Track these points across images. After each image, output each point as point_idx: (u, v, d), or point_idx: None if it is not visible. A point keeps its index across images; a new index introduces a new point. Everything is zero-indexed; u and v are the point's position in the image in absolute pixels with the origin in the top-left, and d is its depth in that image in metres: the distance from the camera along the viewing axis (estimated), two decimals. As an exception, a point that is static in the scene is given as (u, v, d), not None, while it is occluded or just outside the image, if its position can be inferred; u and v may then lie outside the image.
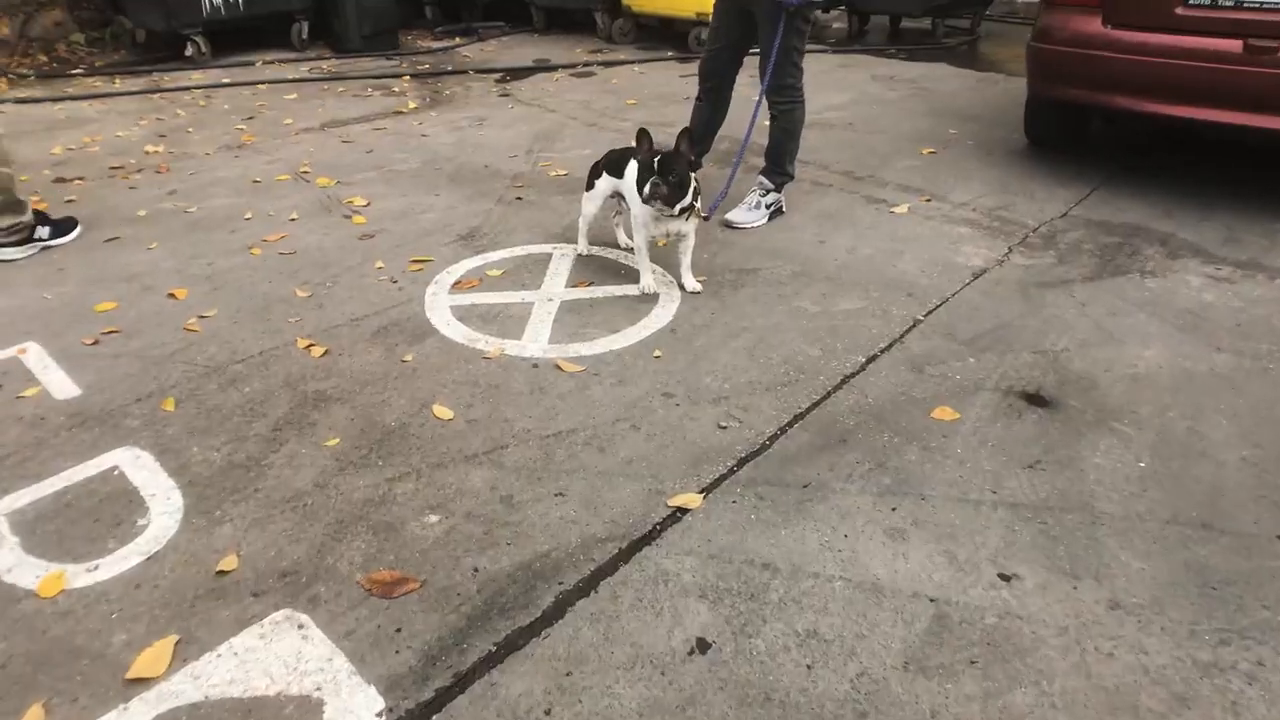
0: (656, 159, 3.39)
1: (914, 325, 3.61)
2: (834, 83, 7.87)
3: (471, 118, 6.88)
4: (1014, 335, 3.51)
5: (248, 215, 4.82)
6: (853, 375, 3.23)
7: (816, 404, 3.05)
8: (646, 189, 3.36)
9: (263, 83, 7.93)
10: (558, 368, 3.31)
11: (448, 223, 4.73)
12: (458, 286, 3.98)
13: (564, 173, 5.54)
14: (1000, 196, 5.07)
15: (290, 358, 3.40)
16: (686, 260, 3.91)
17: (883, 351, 3.40)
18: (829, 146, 6.02)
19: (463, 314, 3.73)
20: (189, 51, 8.47)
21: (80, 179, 5.44)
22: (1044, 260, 4.21)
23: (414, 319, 3.70)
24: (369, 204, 5.01)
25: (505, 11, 10.82)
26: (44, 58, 8.66)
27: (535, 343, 3.50)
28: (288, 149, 6.05)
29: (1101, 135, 6.04)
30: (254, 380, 3.25)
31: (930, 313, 3.72)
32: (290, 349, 3.46)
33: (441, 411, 3.03)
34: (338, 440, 2.89)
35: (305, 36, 9.32)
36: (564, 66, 8.78)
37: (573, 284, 4.01)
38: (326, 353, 3.43)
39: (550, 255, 4.32)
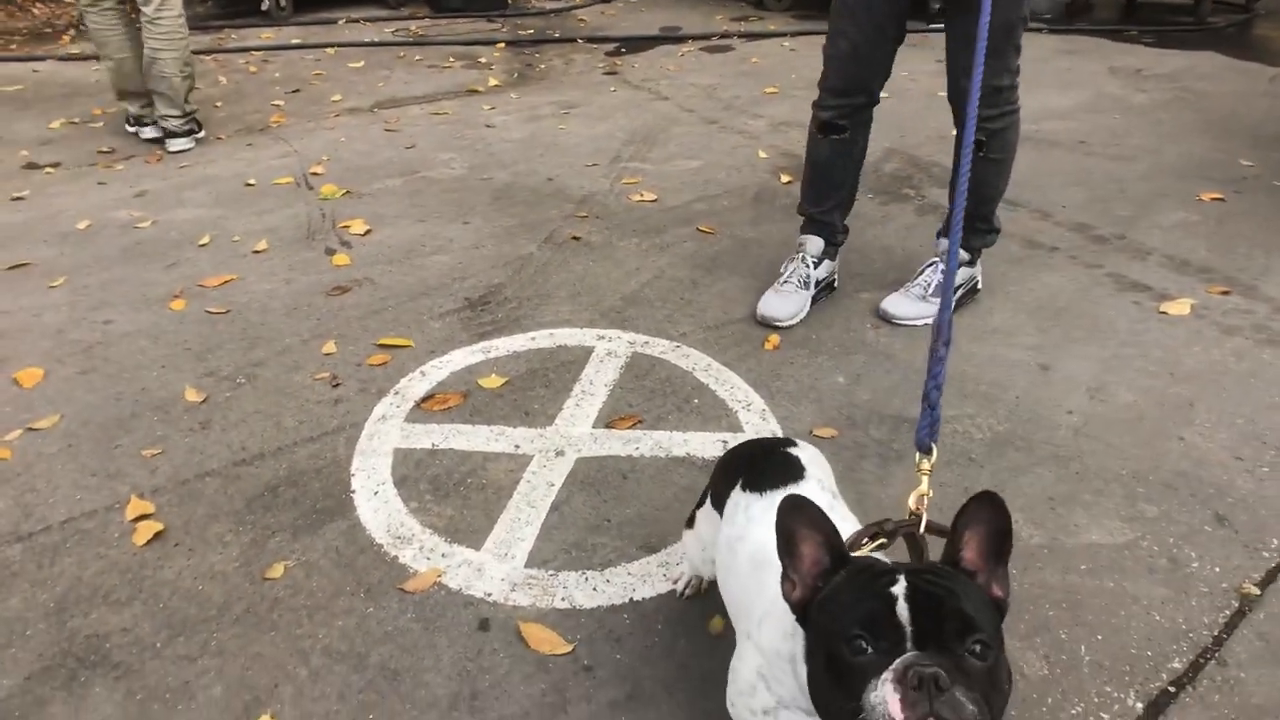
0: (896, 589, 1.11)
1: (1238, 615, 1.79)
2: (1054, 77, 5.74)
3: (558, 103, 5.35)
4: None
5: (204, 240, 3.52)
6: (1121, 768, 1.49)
7: None
8: (888, 708, 1.04)
9: (332, 45, 6.70)
10: (520, 638, 1.76)
11: (462, 274, 3.24)
12: (426, 405, 2.49)
13: (652, 199, 3.92)
14: (1356, 295, 3.03)
15: (99, 541, 2.03)
16: None
17: (1174, 690, 1.63)
18: (1052, 179, 4.06)
19: (410, 472, 2.24)
20: (265, 5, 7.38)
21: (54, 166, 4.35)
22: None
23: (330, 473, 2.24)
24: (368, 231, 3.59)
25: (642, -34, 9.14)
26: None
27: (503, 561, 1.96)
28: (314, 137, 4.74)
29: None
30: (14, 591, 1.90)
31: (1270, 578, 1.88)
32: (110, 522, 2.09)
33: (266, 742, 1.56)
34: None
35: (404, -10, 8.05)
36: (695, 37, 7.05)
37: (609, 419, 2.44)
38: (157, 537, 2.03)
39: (591, 351, 2.75)
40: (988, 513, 1.14)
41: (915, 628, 1.04)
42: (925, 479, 1.36)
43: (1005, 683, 1.10)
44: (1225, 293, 3.07)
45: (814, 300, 2.97)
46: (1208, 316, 2.93)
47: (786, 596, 1.19)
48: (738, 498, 1.51)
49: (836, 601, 1.13)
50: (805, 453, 1.57)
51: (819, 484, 1.50)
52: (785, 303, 2.91)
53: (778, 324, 2.88)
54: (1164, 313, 2.95)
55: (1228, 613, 1.79)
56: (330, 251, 3.42)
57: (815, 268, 2.97)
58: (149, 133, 4.57)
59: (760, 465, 1.55)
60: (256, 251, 3.42)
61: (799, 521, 1.17)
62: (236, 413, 2.47)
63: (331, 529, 2.05)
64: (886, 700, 1.00)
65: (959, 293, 2.95)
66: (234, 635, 1.78)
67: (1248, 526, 2.03)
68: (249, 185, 4.08)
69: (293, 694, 1.65)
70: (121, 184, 4.11)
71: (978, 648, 1.05)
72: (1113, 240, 3.48)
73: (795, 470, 1.51)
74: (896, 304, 2.90)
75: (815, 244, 2.99)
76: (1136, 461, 2.25)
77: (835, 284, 3.10)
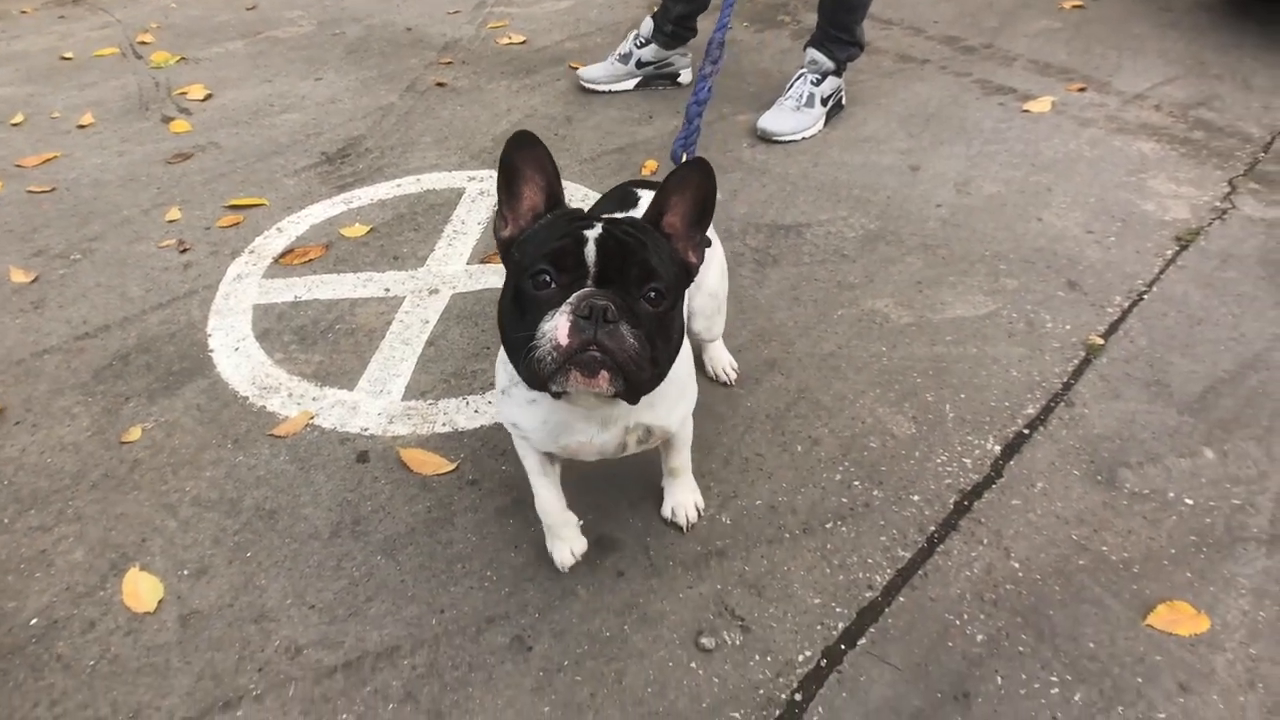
0: (589, 231, 1.13)
1: (1084, 363, 1.91)
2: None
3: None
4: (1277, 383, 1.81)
5: (17, 119, 3.16)
6: (967, 503, 1.59)
7: (892, 585, 1.44)
8: (556, 333, 1.07)
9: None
10: (402, 464, 1.73)
11: (316, 130, 3.02)
12: (285, 261, 2.35)
13: (520, 40, 3.70)
14: (1197, 83, 3.14)
15: (-69, 426, 1.87)
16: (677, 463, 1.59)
17: (1028, 432, 1.74)
18: (919, -5, 4.03)
19: (272, 325, 2.12)
20: None
21: None
22: (1307, 211, 2.41)
23: (184, 336, 2.10)
24: (209, 96, 3.29)
25: None
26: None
27: (378, 398, 1.90)
28: (138, 5, 4.26)
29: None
30: None
31: (1112, 329, 2.00)
32: (-62, 405, 1.93)
33: (138, 592, 1.50)
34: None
35: None
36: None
37: (484, 255, 2.35)
38: (-3, 416, 1.89)
39: (462, 193, 2.63)
40: (696, 178, 1.17)
41: (599, 268, 1.10)
42: None
43: (675, 335, 1.19)
44: (1082, 89, 3.14)
45: (640, 80, 3.23)
46: (1066, 112, 3.00)
47: (497, 233, 1.22)
48: None
49: (534, 240, 1.17)
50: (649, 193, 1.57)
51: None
52: (603, 69, 3.22)
53: (584, 84, 3.22)
54: (1027, 111, 3.00)
55: (1075, 362, 1.91)
56: (167, 119, 3.12)
57: (642, 47, 3.18)
58: None
59: (601, 201, 1.56)
60: (81, 126, 3.09)
61: (525, 160, 1.17)
62: (74, 289, 2.28)
63: (191, 389, 1.94)
64: (557, 327, 1.06)
65: (829, 106, 2.93)
66: (92, 500, 1.68)
67: (1095, 288, 2.13)
68: (65, 59, 3.65)
69: (162, 545, 1.59)
70: (-88, 69, 3.63)
71: (653, 294, 1.12)
72: (980, 50, 3.49)
73: (630, 200, 1.53)
74: (772, 120, 2.86)
75: (646, 24, 3.18)
76: (999, 243, 2.32)
77: (678, 76, 3.27)
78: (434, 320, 2.11)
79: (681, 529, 1.55)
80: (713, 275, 1.67)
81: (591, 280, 1.10)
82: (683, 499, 1.57)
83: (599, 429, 1.28)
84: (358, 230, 2.45)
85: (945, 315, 2.07)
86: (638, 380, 1.10)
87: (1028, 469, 1.65)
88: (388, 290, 2.22)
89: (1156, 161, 2.68)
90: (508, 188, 1.18)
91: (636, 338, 1.07)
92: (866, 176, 2.66)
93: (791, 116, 2.86)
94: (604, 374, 1.06)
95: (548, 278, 1.10)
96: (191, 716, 1.30)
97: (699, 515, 1.57)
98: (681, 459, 1.53)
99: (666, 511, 1.58)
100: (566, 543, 1.51)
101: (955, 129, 2.91)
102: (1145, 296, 2.10)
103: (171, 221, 2.54)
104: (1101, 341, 1.96)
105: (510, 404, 1.32)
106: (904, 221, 2.43)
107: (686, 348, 1.40)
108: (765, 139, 2.86)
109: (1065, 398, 1.81)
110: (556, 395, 1.13)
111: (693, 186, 1.17)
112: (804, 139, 2.86)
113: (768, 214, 2.47)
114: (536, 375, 1.09)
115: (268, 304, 2.19)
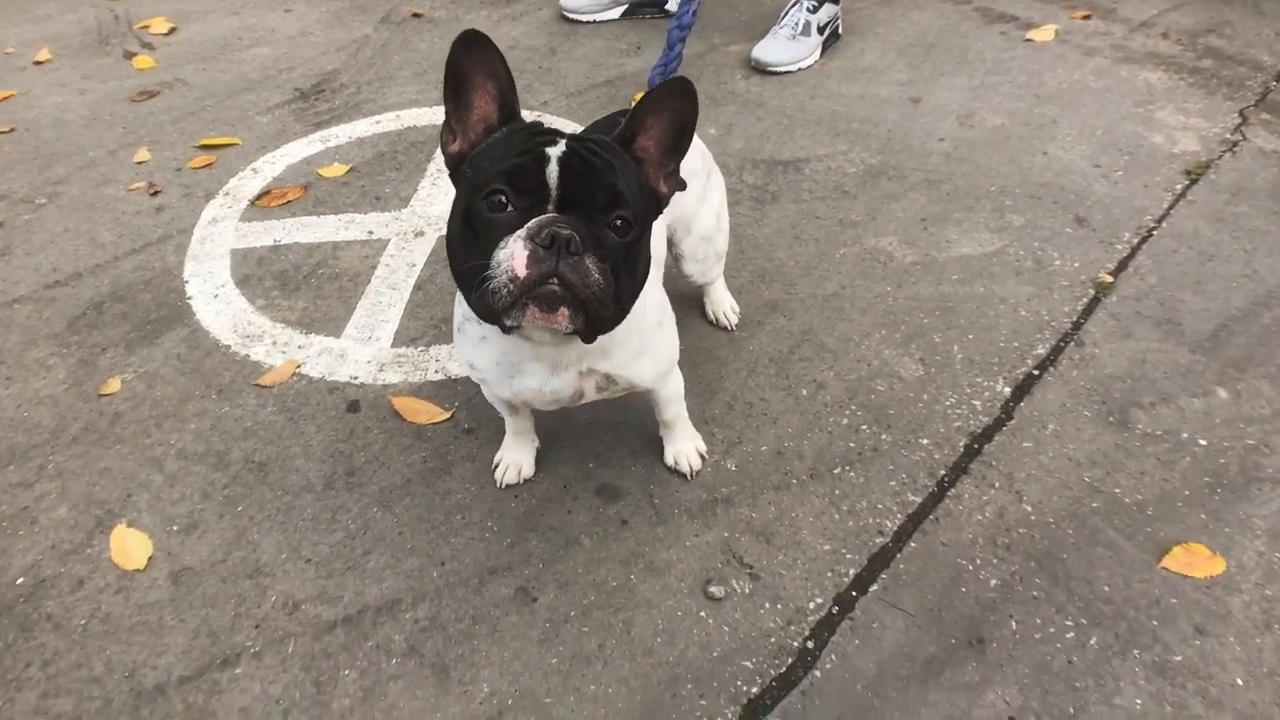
0: (551, 149, 1.02)
1: (1094, 302, 1.86)
2: None
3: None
4: (1304, 330, 1.78)
5: (-32, 54, 2.99)
6: (977, 446, 1.56)
7: (898, 538, 1.41)
8: (513, 263, 0.97)
9: None
10: (395, 413, 1.67)
11: (289, 65, 2.87)
12: (262, 203, 2.24)
13: (498, -32, 3.52)
14: (1206, 9, 3.04)
15: (-103, 381, 1.79)
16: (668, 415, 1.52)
17: (1038, 372, 1.70)
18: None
19: (252, 271, 2.03)
20: None
21: None
22: (1318, 142, 2.34)
23: (161, 283, 2.01)
24: (173, 30, 3.11)
25: None
26: None
27: (366, 345, 1.83)
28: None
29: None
30: None
31: (1122, 266, 1.95)
32: (-96, 359, 1.84)
33: (126, 548, 1.45)
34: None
35: None
36: None
37: (469, 196, 2.26)
38: (-34, 370, 1.81)
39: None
40: (676, 99, 1.05)
41: (561, 191, 0.99)
42: None
43: (641, 268, 1.09)
44: (1086, 17, 3.03)
45: (626, 9, 3.10)
46: (1070, 41, 2.89)
47: (445, 147, 1.11)
48: None
49: (489, 155, 1.05)
50: None
51: None
52: None
53: (567, 13, 3.09)
54: (1029, 40, 2.90)
55: (1085, 300, 1.86)
56: (130, 55, 2.96)
57: None
58: None
59: (590, 129, 1.43)
60: (38, 63, 2.92)
61: (475, 65, 1.05)
62: (41, 235, 2.17)
63: (170, 337, 1.86)
64: (514, 256, 0.95)
65: (825, 36, 2.81)
66: (73, 455, 1.62)
67: (1104, 224, 2.08)
68: (16, -9, 3.45)
69: (149, 500, 1.53)
70: None
71: (619, 222, 1.01)
72: (980, -25, 3.36)
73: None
74: (766, 50, 2.74)
75: None
76: (1004, 178, 2.25)
77: (665, 3, 3.12)
78: (420, 264, 2.03)
79: (685, 477, 1.51)
80: (705, 216, 1.58)
81: (553, 204, 0.99)
82: (683, 447, 1.53)
83: (550, 373, 1.19)
84: (337, 170, 2.34)
85: (951, 253, 2.01)
86: (599, 317, 1.00)
87: (1038, 410, 1.61)
88: (371, 233, 2.13)
89: (1164, 92, 2.60)
90: (455, 96, 1.06)
91: (601, 272, 0.97)
92: (866, 109, 2.56)
93: (787, 46, 2.74)
94: (564, 310, 0.97)
95: (504, 199, 0.99)
96: (189, 674, 1.27)
97: (702, 462, 1.53)
98: (672, 412, 1.47)
99: (669, 459, 1.53)
100: (518, 464, 1.50)
101: (956, 59, 2.80)
102: (1155, 232, 2.05)
103: (140, 163, 2.41)
104: (1111, 279, 1.91)
105: (465, 341, 1.23)
106: (906, 156, 2.35)
107: (661, 300, 1.31)
108: (759, 70, 2.75)
109: (1075, 337, 1.77)
110: (508, 330, 1.03)
111: (671, 109, 1.05)
112: (800, 70, 2.75)
113: (764, 149, 2.38)
114: (489, 308, 0.98)
115: (246, 248, 2.09)
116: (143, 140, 2.51)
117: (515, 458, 1.51)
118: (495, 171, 1.00)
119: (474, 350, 1.21)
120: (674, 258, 1.63)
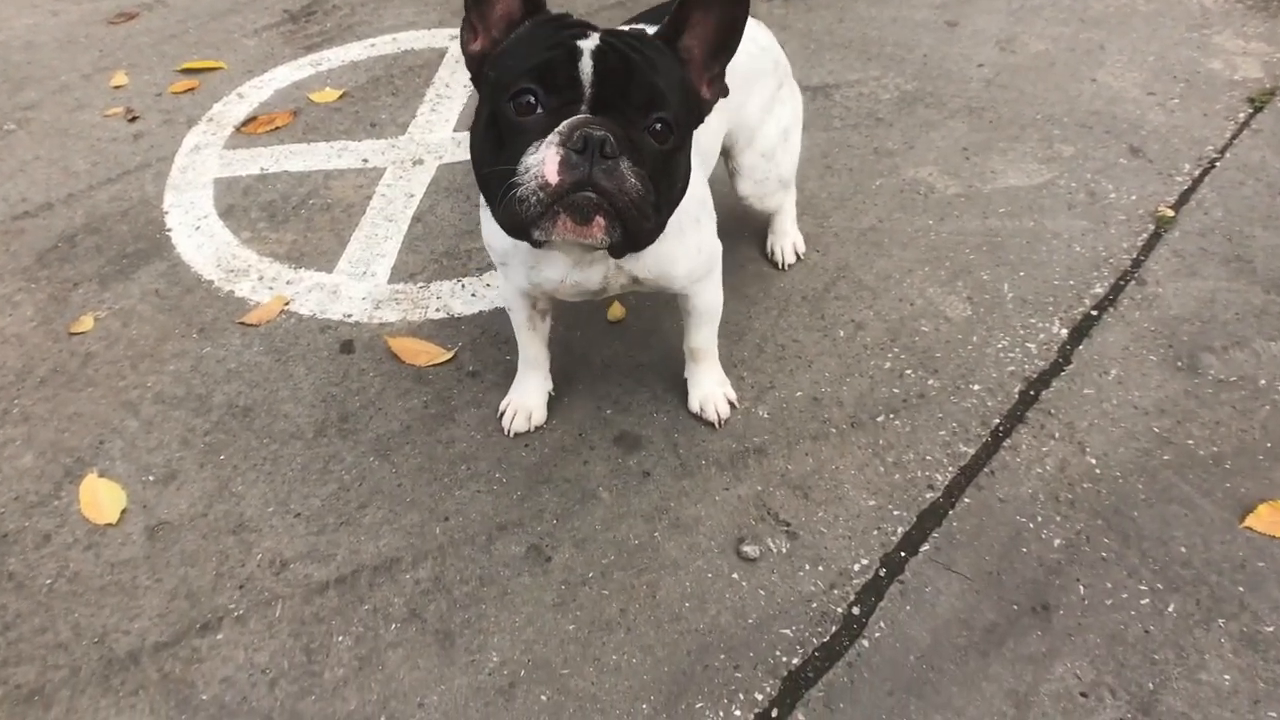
0: (583, 43, 0.92)
1: (1154, 237, 1.70)
2: None
3: None
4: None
5: (-69, -28, 2.77)
6: (1033, 393, 1.41)
7: (944, 501, 1.28)
8: (543, 169, 0.88)
9: None
10: (392, 354, 1.53)
11: (276, -15, 2.67)
12: (248, 129, 2.07)
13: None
14: (1267, -74, 2.81)
15: None
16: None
17: (1096, 313, 1.54)
18: None
19: (237, 201, 1.87)
20: None
21: None
22: (1393, 69, 2.15)
23: (138, 214, 1.85)
24: (151, -53, 2.90)
25: None
26: None
27: (361, 280, 1.68)
28: None
29: None
30: None
31: (1183, 200, 1.78)
32: None
33: (97, 501, 1.32)
34: None
35: None
36: None
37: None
38: (-74, 306, 1.66)
39: (444, 53, 2.33)
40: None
41: (595, 90, 0.89)
42: None
43: (681, 181, 0.99)
44: (1137, -65, 2.80)
45: None
46: (1119, -39, 2.68)
47: (465, 46, 1.00)
48: None
49: (514, 52, 0.95)
50: None
51: None
52: None
53: None
54: (1074, -40, 2.68)
55: (1145, 236, 1.70)
56: (104, -27, 2.75)
57: None
58: None
59: (634, 21, 1.29)
60: (6, -19, 2.72)
61: None
62: (10, 163, 2.01)
63: (147, 272, 1.71)
64: (544, 161, 0.86)
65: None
66: (40, 399, 1.48)
67: (1161, 155, 1.91)
68: (-16, -94, 3.21)
69: (123, 447, 1.40)
70: None
71: (659, 125, 0.91)
72: (1019, -108, 3.11)
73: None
74: (790, -30, 2.54)
75: None
76: (1051, 106, 2.07)
77: None
78: (420, 194, 1.87)
79: (713, 425, 1.38)
80: (769, 130, 1.43)
81: (586, 104, 0.88)
82: (710, 391, 1.38)
83: (574, 265, 1.10)
84: (328, 95, 2.16)
85: (997, 185, 1.84)
86: (637, 230, 0.91)
87: (1099, 354, 1.47)
88: (366, 161, 1.96)
89: (1221, 15, 2.40)
90: None
91: (639, 177, 0.88)
92: (899, 33, 2.37)
93: (815, -35, 2.53)
94: (599, 220, 0.88)
95: (533, 99, 0.89)
96: (165, 640, 1.14)
97: (731, 409, 1.39)
98: (702, 337, 1.32)
99: (694, 405, 1.39)
100: (527, 409, 1.36)
101: (997, -20, 2.59)
102: (1217, 164, 1.88)
103: (117, 88, 2.23)
104: (1172, 213, 1.74)
105: (490, 224, 1.11)
106: (944, 82, 2.16)
107: (704, 194, 1.20)
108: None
109: (1136, 275, 1.61)
110: (537, 244, 0.93)
111: (720, 4, 0.95)
112: (828, -8, 2.55)
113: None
114: (518, 219, 0.89)
115: (231, 177, 1.93)
116: (120, 64, 2.33)
117: (525, 401, 1.37)
118: (522, 69, 0.89)
119: (496, 229, 1.08)
120: (729, 172, 1.48)
